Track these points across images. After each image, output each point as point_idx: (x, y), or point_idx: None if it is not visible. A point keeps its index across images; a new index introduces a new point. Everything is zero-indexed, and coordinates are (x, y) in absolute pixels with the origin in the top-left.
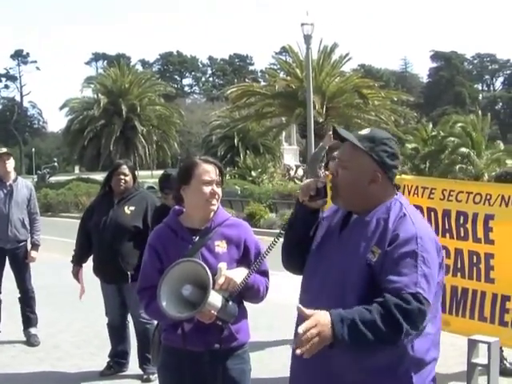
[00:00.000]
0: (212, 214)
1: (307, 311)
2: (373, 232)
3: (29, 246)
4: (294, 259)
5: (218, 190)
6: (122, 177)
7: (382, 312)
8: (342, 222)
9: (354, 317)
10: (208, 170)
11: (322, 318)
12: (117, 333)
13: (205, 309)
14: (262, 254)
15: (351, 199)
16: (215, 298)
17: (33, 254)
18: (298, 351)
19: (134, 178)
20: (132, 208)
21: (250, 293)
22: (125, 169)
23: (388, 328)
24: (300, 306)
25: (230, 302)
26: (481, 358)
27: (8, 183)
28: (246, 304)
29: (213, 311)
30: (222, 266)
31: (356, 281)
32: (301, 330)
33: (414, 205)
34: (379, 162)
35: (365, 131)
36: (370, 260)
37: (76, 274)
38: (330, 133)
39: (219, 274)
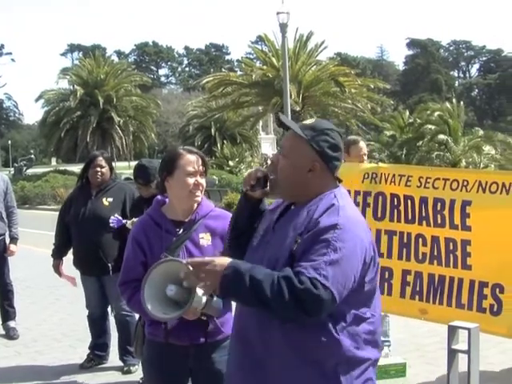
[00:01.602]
0: (196, 205)
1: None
2: (301, 223)
3: (7, 240)
4: (234, 250)
5: (202, 181)
6: (99, 169)
7: (274, 279)
8: (280, 213)
9: (247, 272)
10: (191, 161)
11: (219, 260)
12: (97, 325)
13: (190, 307)
14: None
15: (289, 188)
16: (199, 295)
17: (12, 247)
18: (182, 274)
19: (111, 169)
20: (110, 199)
21: None
22: (101, 160)
23: (271, 295)
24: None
25: (215, 298)
26: (461, 344)
27: None
28: None
29: (198, 308)
30: None
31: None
32: (191, 261)
33: (392, 193)
34: (319, 152)
35: (309, 121)
36: (292, 249)
37: (57, 268)
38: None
39: None
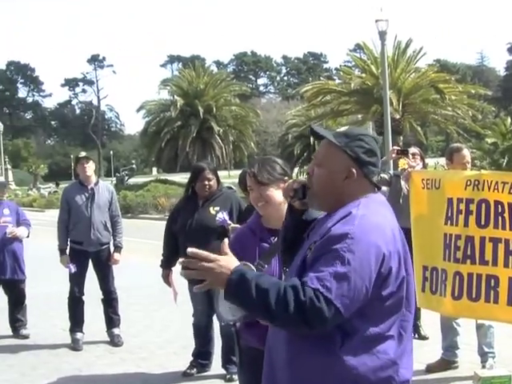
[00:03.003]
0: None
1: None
2: (320, 231)
3: (112, 249)
4: (287, 261)
5: (256, 195)
6: (207, 182)
7: (280, 289)
8: (317, 221)
9: (253, 279)
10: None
11: (225, 261)
12: (202, 333)
13: None
14: None
15: (326, 197)
16: None
17: (116, 256)
18: (182, 272)
19: (218, 179)
20: (217, 208)
21: None
22: (208, 173)
23: (276, 305)
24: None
25: None
26: None
27: (89, 187)
28: None
29: None
30: None
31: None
32: (191, 251)
33: (495, 200)
34: (354, 158)
35: (342, 128)
36: (306, 256)
37: (166, 278)
38: (395, 147)
39: None
